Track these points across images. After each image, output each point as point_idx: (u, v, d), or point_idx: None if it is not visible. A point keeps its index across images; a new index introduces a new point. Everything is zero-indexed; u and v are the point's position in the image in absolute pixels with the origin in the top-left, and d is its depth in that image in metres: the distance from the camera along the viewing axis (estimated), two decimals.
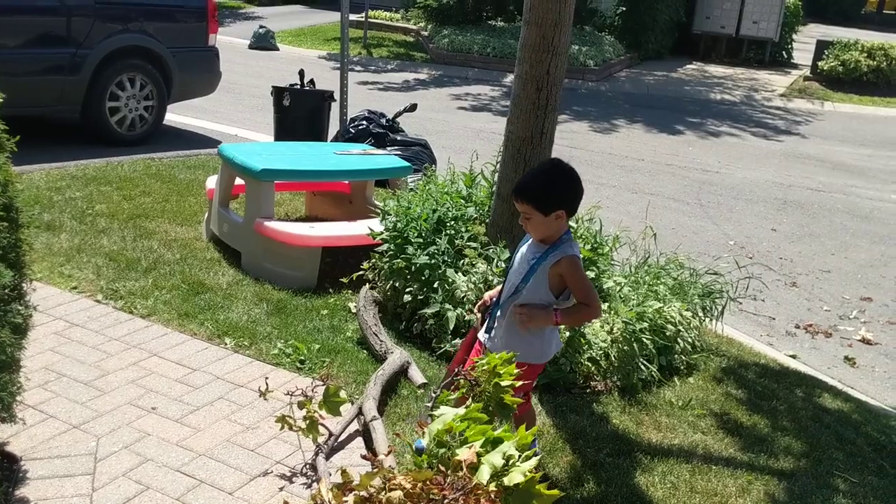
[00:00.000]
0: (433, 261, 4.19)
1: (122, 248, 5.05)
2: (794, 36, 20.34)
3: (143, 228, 5.45)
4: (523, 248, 2.98)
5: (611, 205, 8.24)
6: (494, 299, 3.06)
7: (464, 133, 11.68)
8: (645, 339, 3.93)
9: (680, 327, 4.18)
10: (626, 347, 3.93)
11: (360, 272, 4.61)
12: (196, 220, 5.73)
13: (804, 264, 7.31)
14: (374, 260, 4.53)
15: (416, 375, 3.76)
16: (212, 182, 5.44)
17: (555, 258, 2.82)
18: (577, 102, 14.56)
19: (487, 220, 4.46)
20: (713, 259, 7.35)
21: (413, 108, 8.27)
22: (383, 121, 8.04)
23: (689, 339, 4.24)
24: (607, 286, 4.29)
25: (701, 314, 4.54)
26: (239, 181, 5.21)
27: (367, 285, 4.45)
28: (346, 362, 3.95)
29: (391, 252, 4.36)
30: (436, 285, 4.15)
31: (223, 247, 5.24)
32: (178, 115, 9.56)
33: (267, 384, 3.29)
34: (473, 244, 4.25)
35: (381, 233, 4.52)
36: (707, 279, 4.78)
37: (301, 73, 8.11)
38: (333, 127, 8.56)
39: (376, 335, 4.02)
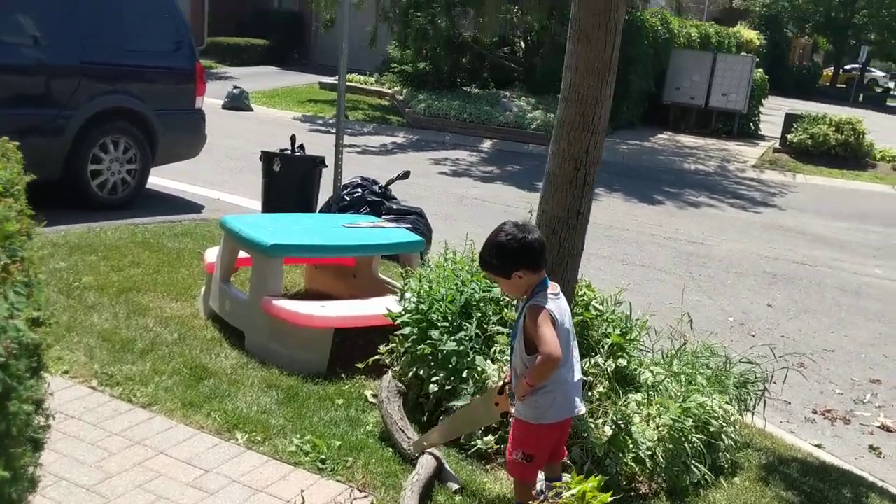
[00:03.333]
0: (461, 347, 3.91)
1: (115, 327, 4.67)
2: (760, 108, 20.79)
3: (135, 304, 5.08)
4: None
5: (605, 277, 8.06)
6: None
7: (446, 199, 11.52)
8: (695, 438, 3.68)
9: (723, 422, 3.94)
10: (671, 446, 3.67)
11: (377, 357, 4.30)
12: (191, 295, 5.38)
13: (806, 343, 7.17)
14: (392, 345, 4.23)
15: (451, 480, 3.44)
16: (211, 255, 5.11)
17: (523, 313, 2.99)
18: None
19: (515, 302, 4.21)
20: (712, 334, 7.20)
21: (406, 175, 8.06)
22: (376, 188, 7.81)
23: (733, 436, 4.00)
24: (644, 377, 4.04)
25: (736, 406, 4.31)
26: (242, 254, 4.90)
27: (389, 374, 4.14)
28: (371, 461, 3.62)
29: (414, 336, 4.07)
30: (465, 374, 3.87)
31: (223, 325, 4.90)
32: (155, 178, 9.19)
33: (303, 499, 2.96)
34: (504, 329, 3.99)
35: (401, 314, 4.24)
36: (741, 367, 4.57)
37: (292, 139, 7.87)
38: (323, 193, 8.31)
39: (403, 431, 3.71)
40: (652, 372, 4.10)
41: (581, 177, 3.85)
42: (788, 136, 17.55)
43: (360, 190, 7.54)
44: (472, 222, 10.21)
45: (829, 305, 8.35)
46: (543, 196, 3.98)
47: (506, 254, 2.96)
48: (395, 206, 7.52)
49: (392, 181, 8.04)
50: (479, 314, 4.08)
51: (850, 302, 8.54)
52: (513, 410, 3.17)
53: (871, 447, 5.22)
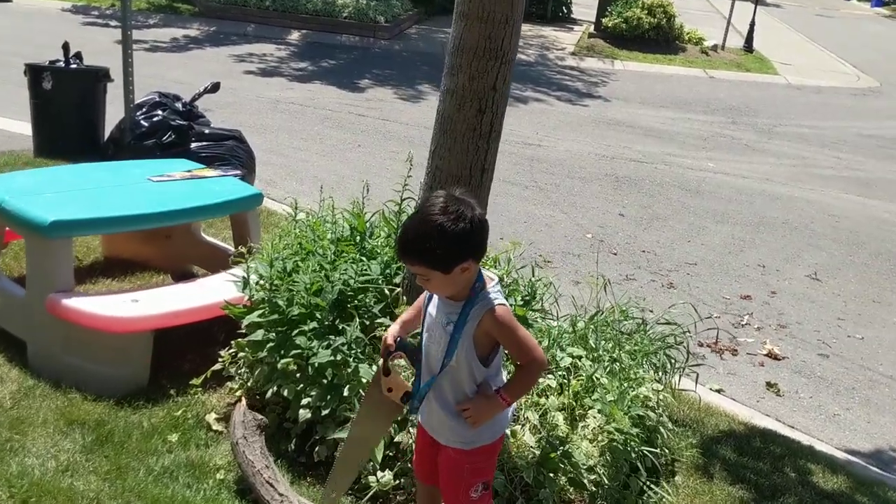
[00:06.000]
0: (339, 357, 2.93)
1: None
2: None
3: None
4: (432, 309, 2.34)
5: None
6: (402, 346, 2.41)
7: (259, 105, 10.14)
8: (646, 451, 2.97)
9: (659, 410, 3.27)
10: (610, 457, 2.95)
11: (218, 367, 3.23)
12: None
13: (668, 257, 6.81)
14: (240, 353, 3.17)
15: None
16: None
17: (475, 319, 2.23)
18: (375, 64, 13.36)
19: (399, 282, 3.25)
20: (576, 256, 6.68)
21: (215, 88, 6.69)
22: (179, 105, 6.41)
23: (669, 425, 3.35)
24: (565, 363, 3.27)
25: (661, 379, 3.66)
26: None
27: (243, 404, 3.07)
28: None
29: (271, 344, 3.03)
30: (346, 391, 2.91)
31: None
32: None
33: None
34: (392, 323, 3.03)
35: (248, 309, 3.17)
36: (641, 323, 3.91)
37: (65, 47, 6.23)
38: (111, 112, 6.79)
39: (271, 485, 2.72)
40: (569, 353, 3.32)
41: (487, 122, 2.88)
42: (603, 21, 17.20)
43: (159, 111, 6.12)
44: (294, 134, 8.99)
45: (677, 209, 8.06)
46: (436, 149, 2.98)
47: (453, 240, 2.11)
48: (206, 131, 6.20)
49: (199, 96, 6.64)
50: (356, 305, 3.09)
51: (695, 203, 8.31)
52: (449, 444, 2.39)
53: (768, 384, 4.88)
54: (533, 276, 3.69)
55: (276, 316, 3.05)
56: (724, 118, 12.46)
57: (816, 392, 4.89)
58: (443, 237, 2.10)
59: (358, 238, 3.46)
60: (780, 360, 5.24)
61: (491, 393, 2.29)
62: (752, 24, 18.11)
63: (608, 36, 17.07)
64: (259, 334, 3.05)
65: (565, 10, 19.92)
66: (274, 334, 3.03)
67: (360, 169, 8.05)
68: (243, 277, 3.26)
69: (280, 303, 3.07)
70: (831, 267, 7.01)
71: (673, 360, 3.73)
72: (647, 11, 16.95)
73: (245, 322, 3.12)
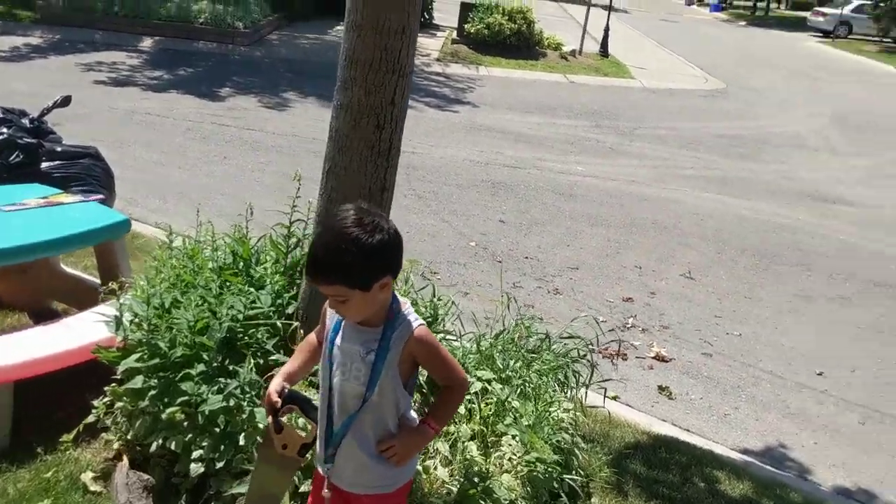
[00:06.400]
0: (232, 402, 2.65)
1: None
2: None
3: None
4: (340, 342, 2.11)
5: None
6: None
7: (112, 117, 9.51)
8: (566, 478, 2.85)
9: (573, 431, 3.17)
10: (531, 489, 2.82)
11: (92, 419, 2.87)
12: None
13: (550, 262, 6.83)
14: (116, 402, 2.82)
15: None
16: None
17: (399, 343, 2.07)
18: (235, 72, 12.85)
19: (294, 312, 3.00)
20: (462, 265, 6.58)
21: (66, 101, 6.12)
22: (26, 122, 5.82)
23: (582, 444, 3.25)
24: (475, 389, 3.11)
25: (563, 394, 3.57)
26: None
27: (125, 463, 2.72)
28: None
29: (153, 391, 2.71)
30: (242, 440, 2.63)
31: None
32: None
33: None
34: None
35: (122, 353, 2.83)
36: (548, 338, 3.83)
37: None
38: None
39: None
40: (478, 377, 3.17)
41: (385, 139, 2.68)
42: (466, 27, 17.31)
43: (4, 128, 5.52)
44: (153, 147, 8.47)
45: (553, 214, 8.12)
46: (330, 168, 2.75)
47: (371, 253, 1.95)
48: (58, 149, 5.64)
49: (48, 110, 6.06)
50: (246, 343, 2.81)
51: (570, 207, 8.39)
52: (367, 491, 2.18)
53: (660, 388, 4.93)
54: (434, 295, 3.52)
55: (157, 360, 2.73)
56: (587, 122, 12.73)
57: (706, 392, 4.97)
58: (361, 251, 1.94)
59: (242, 265, 3.17)
60: (667, 361, 5.31)
61: (415, 425, 2.15)
62: (607, 30, 18.73)
63: (471, 42, 17.19)
64: (138, 381, 2.73)
65: (426, 16, 19.91)
66: (156, 380, 2.72)
67: (227, 182, 7.67)
68: (115, 316, 2.92)
69: (161, 344, 2.75)
70: (702, 265, 7.22)
71: (577, 375, 3.66)
72: (507, 17, 17.20)
73: (121, 368, 2.78)
